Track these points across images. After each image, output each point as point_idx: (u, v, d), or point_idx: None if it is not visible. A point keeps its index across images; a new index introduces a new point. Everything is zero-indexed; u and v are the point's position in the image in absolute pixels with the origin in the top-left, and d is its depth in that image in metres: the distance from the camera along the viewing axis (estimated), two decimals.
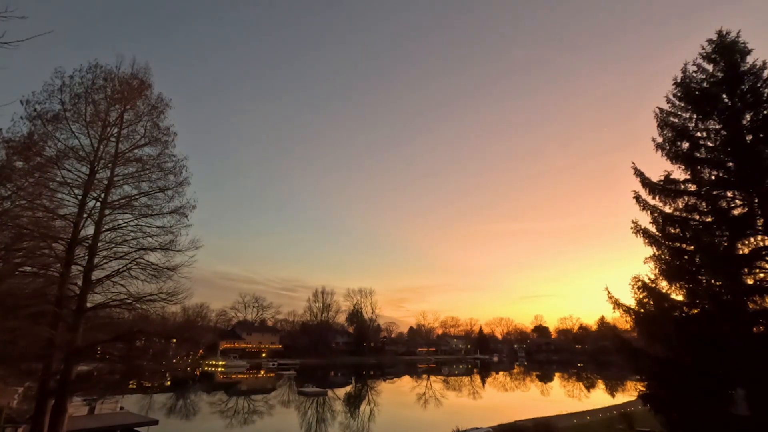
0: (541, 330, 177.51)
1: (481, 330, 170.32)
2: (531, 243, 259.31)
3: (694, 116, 14.95)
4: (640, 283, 14.12)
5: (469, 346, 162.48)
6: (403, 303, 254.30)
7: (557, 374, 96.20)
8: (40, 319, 16.38)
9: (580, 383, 76.05)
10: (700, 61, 15.24)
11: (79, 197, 18.21)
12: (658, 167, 15.79)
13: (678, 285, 13.76)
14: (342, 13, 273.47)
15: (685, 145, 14.90)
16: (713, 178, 14.22)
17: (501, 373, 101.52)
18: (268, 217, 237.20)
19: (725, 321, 12.24)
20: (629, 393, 54.88)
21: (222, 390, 60.26)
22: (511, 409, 39.09)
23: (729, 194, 13.94)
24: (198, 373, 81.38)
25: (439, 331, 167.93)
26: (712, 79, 14.77)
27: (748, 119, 14.02)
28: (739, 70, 14.21)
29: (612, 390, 64.16)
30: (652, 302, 13.90)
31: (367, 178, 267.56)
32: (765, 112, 13.75)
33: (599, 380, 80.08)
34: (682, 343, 12.84)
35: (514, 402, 50.72)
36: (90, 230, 18.52)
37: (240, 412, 42.36)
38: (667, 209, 14.58)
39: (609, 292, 14.61)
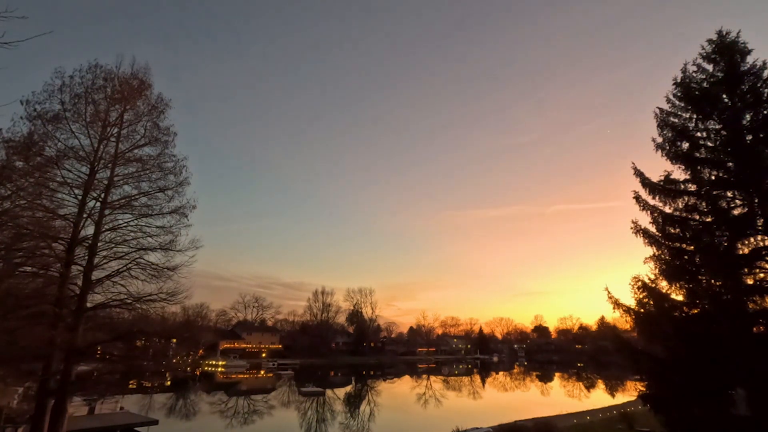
0: (541, 330, 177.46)
1: (481, 330, 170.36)
2: (530, 241, 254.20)
3: (694, 116, 14.96)
4: (640, 283, 14.14)
5: (469, 346, 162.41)
6: (393, 301, 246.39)
7: (557, 374, 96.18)
8: (40, 319, 16.37)
9: (580, 383, 76.03)
10: (700, 61, 15.27)
11: (79, 197, 18.20)
12: (659, 167, 15.82)
13: (678, 285, 13.78)
14: (353, 17, 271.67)
15: (685, 145, 14.92)
16: (713, 178, 14.23)
17: (501, 373, 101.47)
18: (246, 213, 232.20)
19: (725, 321, 12.26)
20: (629, 393, 54.86)
21: (222, 390, 60.23)
22: (511, 409, 39.10)
23: (729, 194, 13.96)
24: (198, 373, 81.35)
25: (439, 331, 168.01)
26: (712, 79, 14.79)
27: (748, 119, 14.04)
28: (739, 70, 14.23)
29: (612, 390, 64.14)
30: (652, 302, 13.92)
31: (344, 170, 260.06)
32: (765, 112, 13.77)
33: (599, 380, 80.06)
34: (682, 343, 12.87)
35: (514, 402, 50.68)
36: (90, 230, 18.52)
37: (240, 412, 42.35)
38: (667, 209, 14.60)
39: (609, 292, 14.64)
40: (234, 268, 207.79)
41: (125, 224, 19.24)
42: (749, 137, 13.80)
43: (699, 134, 14.80)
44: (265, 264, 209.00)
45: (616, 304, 14.43)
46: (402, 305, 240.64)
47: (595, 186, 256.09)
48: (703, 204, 14.14)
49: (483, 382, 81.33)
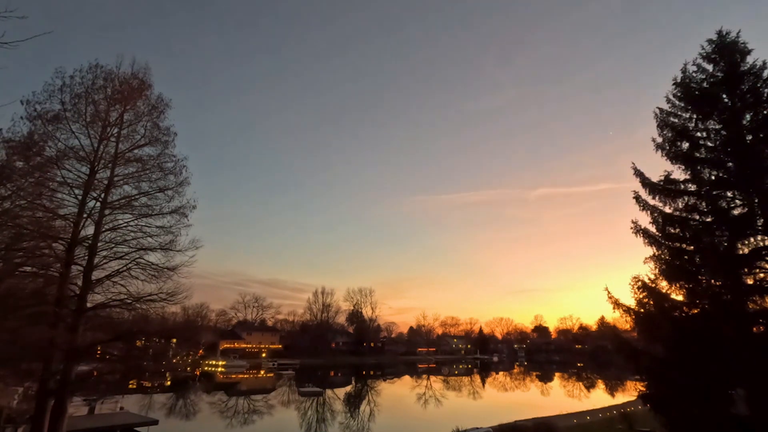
0: (541, 330, 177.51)
1: (481, 330, 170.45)
2: (516, 232, 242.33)
3: (694, 116, 14.96)
4: (640, 283, 14.14)
5: (469, 346, 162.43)
6: (383, 300, 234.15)
7: (557, 374, 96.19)
8: (40, 319, 16.37)
9: (580, 383, 76.03)
10: (700, 61, 15.26)
11: (79, 197, 18.19)
12: (659, 167, 15.81)
13: (678, 285, 13.77)
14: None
15: (685, 145, 14.92)
16: (713, 178, 14.24)
17: (501, 373, 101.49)
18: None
19: (725, 321, 12.27)
20: (629, 393, 54.89)
21: (222, 390, 60.22)
22: (511, 409, 39.07)
23: (729, 194, 13.96)
24: (198, 373, 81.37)
25: (439, 331, 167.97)
26: (712, 79, 14.79)
27: (748, 119, 14.04)
28: (739, 70, 14.22)
29: (612, 390, 64.15)
30: (652, 302, 13.91)
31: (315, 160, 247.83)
32: (765, 112, 13.77)
33: (599, 380, 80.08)
34: (682, 343, 12.85)
35: (514, 402, 50.69)
36: (90, 230, 18.50)
37: (240, 412, 42.36)
38: (667, 209, 14.60)
39: (609, 292, 14.64)
40: (207, 266, 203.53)
41: (125, 224, 19.23)
42: (749, 137, 13.80)
43: (699, 134, 14.79)
44: (238, 262, 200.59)
45: (616, 304, 14.43)
46: (393, 304, 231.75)
47: (584, 163, 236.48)
48: (703, 204, 14.14)
49: (483, 382, 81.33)
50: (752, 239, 13.35)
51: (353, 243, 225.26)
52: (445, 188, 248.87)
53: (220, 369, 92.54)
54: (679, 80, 15.36)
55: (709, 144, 14.52)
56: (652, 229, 14.68)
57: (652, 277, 14.18)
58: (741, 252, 13.34)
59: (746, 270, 13.22)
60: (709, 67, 15.02)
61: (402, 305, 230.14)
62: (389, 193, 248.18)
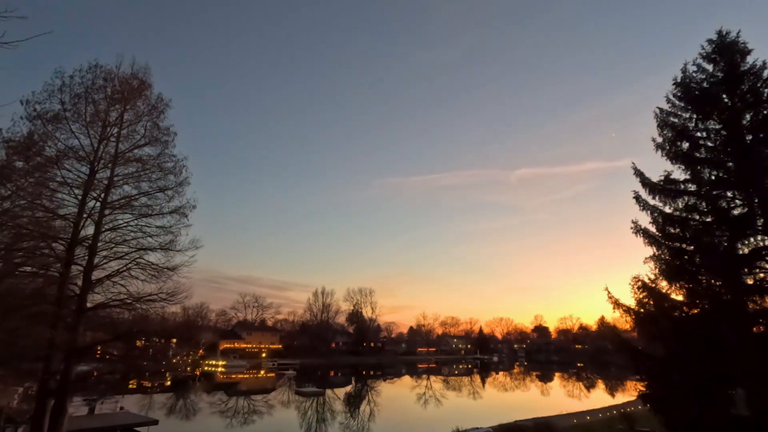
0: (541, 330, 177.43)
1: (481, 330, 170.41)
2: (500, 221, 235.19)
3: (694, 116, 14.97)
4: (640, 283, 14.15)
5: (469, 346, 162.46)
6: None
7: (557, 374, 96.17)
8: (40, 319, 16.36)
9: (580, 383, 76.02)
10: (700, 61, 15.27)
11: (79, 197, 18.18)
12: (659, 167, 15.81)
13: (678, 285, 13.78)
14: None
15: (685, 145, 14.93)
16: (713, 178, 14.24)
17: (501, 373, 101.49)
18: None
19: (725, 321, 12.26)
20: (629, 393, 54.88)
21: (222, 390, 60.20)
22: (511, 409, 39.05)
23: (729, 194, 13.97)
24: (198, 373, 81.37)
25: (439, 331, 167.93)
26: (712, 79, 14.79)
27: (748, 119, 14.05)
28: (739, 70, 14.23)
29: (612, 390, 64.15)
30: (652, 302, 13.92)
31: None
32: (765, 112, 13.78)
33: (599, 380, 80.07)
34: (682, 343, 12.87)
35: (514, 402, 50.70)
36: (90, 230, 18.50)
37: (240, 412, 42.35)
38: (667, 209, 14.60)
39: (609, 292, 14.65)
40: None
41: (125, 224, 19.23)
42: (749, 137, 13.81)
43: (699, 134, 14.80)
44: (213, 258, 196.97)
45: (616, 304, 14.44)
46: (384, 302, 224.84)
47: (564, 138, 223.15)
48: (703, 204, 14.15)
49: (483, 382, 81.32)
50: (752, 239, 13.36)
51: (333, 240, 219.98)
52: (415, 169, 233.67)
53: (220, 369, 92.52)
54: (679, 80, 15.37)
55: (709, 144, 14.52)
56: (652, 229, 14.68)
57: (652, 277, 14.21)
58: (741, 252, 13.35)
59: (746, 270, 13.23)
60: (709, 67, 15.03)
61: (393, 304, 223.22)
62: (358, 176, 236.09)
